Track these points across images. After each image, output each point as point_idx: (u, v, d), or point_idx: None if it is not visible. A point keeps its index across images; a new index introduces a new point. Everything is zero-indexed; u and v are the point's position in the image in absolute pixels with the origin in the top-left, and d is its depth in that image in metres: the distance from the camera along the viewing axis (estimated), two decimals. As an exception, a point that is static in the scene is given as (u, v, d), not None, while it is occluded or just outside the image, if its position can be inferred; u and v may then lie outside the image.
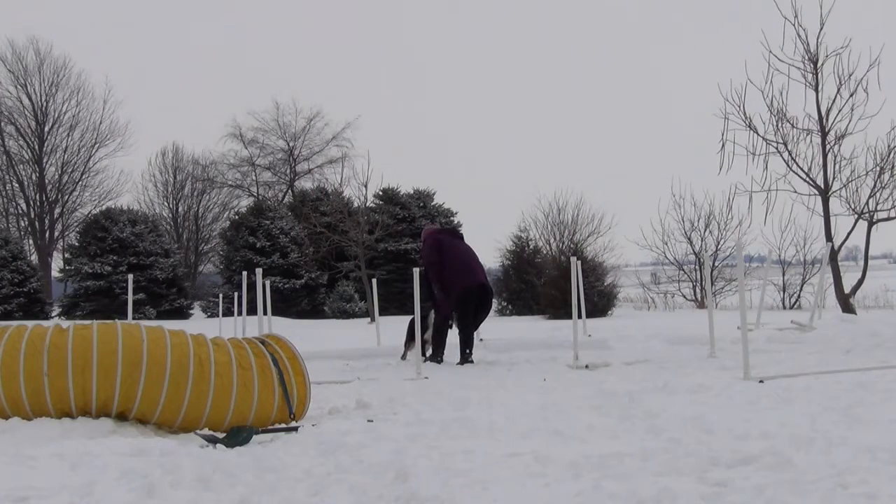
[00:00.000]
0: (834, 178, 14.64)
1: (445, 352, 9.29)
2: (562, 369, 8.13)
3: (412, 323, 9.63)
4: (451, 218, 31.86)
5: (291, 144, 41.86)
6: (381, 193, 31.13)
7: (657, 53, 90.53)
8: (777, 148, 14.72)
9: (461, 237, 10.06)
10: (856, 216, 14.85)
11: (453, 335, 9.38)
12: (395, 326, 14.92)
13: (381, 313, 18.14)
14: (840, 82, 14.22)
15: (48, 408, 4.79)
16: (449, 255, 9.39)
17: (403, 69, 76.83)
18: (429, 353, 9.34)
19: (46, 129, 38.10)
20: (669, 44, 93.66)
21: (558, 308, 20.25)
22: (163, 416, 4.92)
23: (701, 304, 24.39)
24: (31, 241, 37.97)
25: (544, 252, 27.31)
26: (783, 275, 24.47)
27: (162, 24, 68.87)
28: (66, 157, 38.69)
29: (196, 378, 4.91)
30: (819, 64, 14.35)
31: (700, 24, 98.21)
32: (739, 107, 14.75)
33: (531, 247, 27.17)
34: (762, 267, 20.96)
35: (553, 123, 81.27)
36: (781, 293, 24.26)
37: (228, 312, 19.80)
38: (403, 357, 9.62)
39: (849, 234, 15.21)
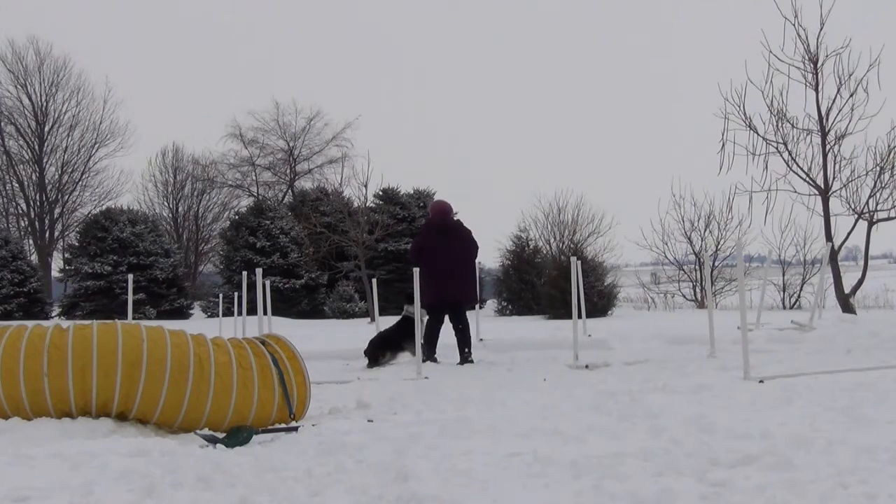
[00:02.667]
0: (834, 178, 14.64)
1: (447, 353, 9.26)
2: (562, 369, 8.13)
3: (386, 338, 9.47)
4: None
5: (291, 144, 41.87)
6: (381, 193, 31.13)
7: (657, 53, 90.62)
8: (777, 148, 14.72)
9: (452, 233, 9.51)
10: (856, 216, 14.85)
11: (448, 336, 9.37)
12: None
13: (381, 313, 18.11)
14: (840, 82, 14.22)
15: (48, 408, 4.79)
16: (426, 262, 9.10)
17: (403, 69, 76.90)
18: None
19: (46, 129, 38.12)
20: (670, 43, 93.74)
21: (558, 308, 20.24)
22: (163, 416, 4.92)
23: (701, 304, 24.39)
24: (31, 241, 37.97)
25: (544, 252, 27.29)
26: (783, 275, 24.45)
27: (162, 23, 68.93)
28: (66, 157, 38.74)
29: (196, 378, 4.91)
30: (819, 64, 14.35)
31: (700, 23, 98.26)
32: (739, 107, 14.76)
33: (531, 247, 27.15)
34: (762, 267, 20.96)
35: (553, 123, 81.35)
36: (781, 293, 24.25)
37: (228, 312, 19.79)
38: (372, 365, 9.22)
39: (849, 234, 15.21)
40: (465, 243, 9.57)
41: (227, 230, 33.19)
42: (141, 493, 3.32)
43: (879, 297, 22.31)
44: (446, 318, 9.43)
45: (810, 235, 23.47)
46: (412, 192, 32.04)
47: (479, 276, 14.23)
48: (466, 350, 9.16)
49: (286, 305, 26.65)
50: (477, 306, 12.89)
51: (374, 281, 15.13)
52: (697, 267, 26.03)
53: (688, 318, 17.42)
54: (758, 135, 14.74)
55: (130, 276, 11.97)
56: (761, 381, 6.34)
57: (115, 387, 4.77)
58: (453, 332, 9.32)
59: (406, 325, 9.30)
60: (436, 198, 32.14)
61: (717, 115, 14.92)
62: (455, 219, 10.01)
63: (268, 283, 10.04)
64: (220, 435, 4.77)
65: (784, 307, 23.37)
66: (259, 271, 8.72)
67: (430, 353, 9.17)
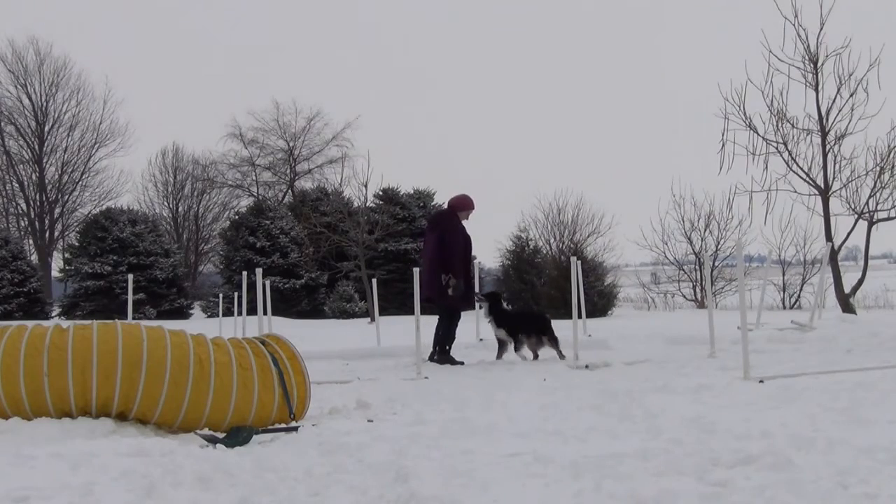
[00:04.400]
0: (834, 178, 14.65)
1: (459, 355, 9.21)
2: (562, 369, 8.13)
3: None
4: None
5: (291, 144, 41.88)
6: (381, 193, 31.15)
7: (657, 53, 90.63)
8: (777, 148, 14.73)
9: (430, 228, 9.44)
10: (856, 216, 14.85)
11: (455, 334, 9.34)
12: (395, 326, 14.92)
13: (381, 313, 18.14)
14: (840, 82, 14.24)
15: (48, 408, 4.78)
16: None
17: (403, 69, 76.90)
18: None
19: (46, 129, 38.15)
20: (670, 43, 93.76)
21: (558, 308, 20.25)
22: (163, 416, 4.92)
23: (701, 304, 24.40)
24: (31, 241, 37.99)
25: (544, 252, 27.30)
26: (783, 275, 24.49)
27: (162, 23, 68.93)
28: (66, 157, 38.80)
29: (196, 378, 4.90)
30: (819, 64, 14.36)
31: (700, 23, 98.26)
32: (739, 107, 14.77)
33: (531, 247, 27.16)
34: (762, 267, 20.98)
35: (553, 123, 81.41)
36: (781, 293, 24.27)
37: (228, 312, 19.81)
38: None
39: (849, 234, 15.22)
40: (432, 238, 9.22)
41: (227, 230, 33.22)
42: (141, 493, 3.32)
43: (879, 297, 22.33)
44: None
45: (810, 235, 23.53)
46: (412, 192, 32.05)
47: (479, 276, 14.15)
48: (434, 348, 9.04)
49: (286, 305, 26.66)
50: (477, 306, 12.80)
51: (374, 281, 15.13)
52: (697, 267, 26.06)
53: (688, 318, 17.42)
54: (758, 135, 14.77)
55: (130, 276, 11.95)
56: (761, 381, 6.34)
57: (115, 387, 4.77)
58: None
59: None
60: (436, 197, 32.23)
61: (718, 115, 14.94)
62: (448, 213, 9.52)
63: (268, 283, 10.03)
64: (220, 435, 4.77)
65: (784, 307, 23.39)
66: (259, 271, 8.71)
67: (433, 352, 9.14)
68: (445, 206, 9.94)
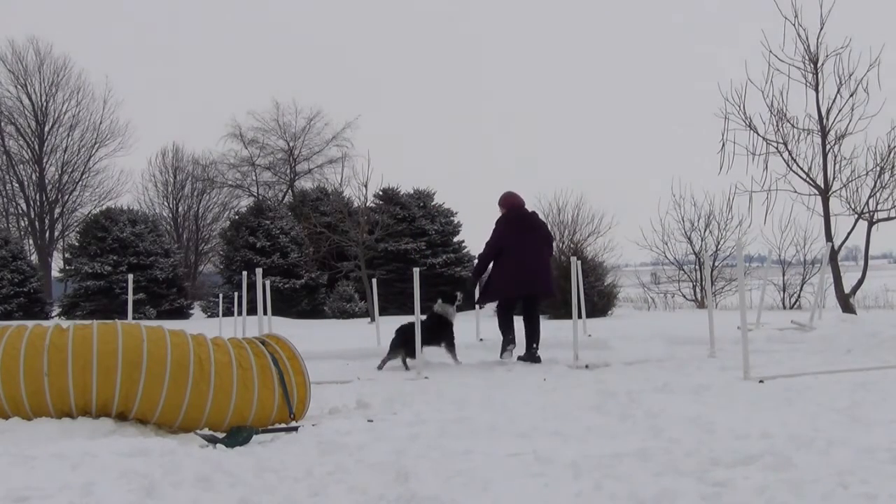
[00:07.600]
0: (834, 178, 14.64)
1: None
2: (562, 369, 8.12)
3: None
4: (452, 218, 31.88)
5: (291, 144, 41.84)
6: (381, 193, 31.12)
7: (657, 53, 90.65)
8: (777, 148, 14.72)
9: (531, 225, 9.49)
10: (856, 216, 14.85)
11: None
12: (396, 326, 14.88)
13: (381, 313, 18.14)
14: (840, 82, 14.22)
15: (48, 408, 4.79)
16: (506, 254, 9.24)
17: (403, 69, 76.90)
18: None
19: (46, 129, 38.12)
20: (669, 43, 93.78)
21: (558, 308, 20.24)
22: (163, 416, 4.92)
23: (701, 304, 24.39)
24: (31, 241, 37.97)
25: (544, 252, 27.25)
26: (783, 275, 24.46)
27: (162, 23, 68.94)
28: (66, 157, 38.75)
29: (196, 378, 4.91)
30: (819, 64, 14.35)
31: (700, 23, 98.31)
32: (739, 107, 14.76)
33: (531, 247, 27.08)
34: (762, 267, 20.98)
35: (553, 123, 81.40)
36: (781, 293, 24.25)
37: (228, 312, 19.79)
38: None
39: (849, 234, 15.21)
40: (543, 235, 9.41)
41: (227, 230, 33.18)
42: (141, 493, 3.32)
43: (879, 297, 22.32)
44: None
45: (810, 235, 23.50)
46: (412, 192, 32.01)
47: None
48: (535, 346, 8.93)
49: (286, 305, 26.64)
50: (477, 306, 12.82)
51: (374, 281, 15.12)
52: (697, 267, 26.04)
53: (688, 318, 17.41)
54: (758, 135, 14.75)
55: (130, 276, 11.96)
56: (761, 381, 6.34)
57: (115, 387, 4.77)
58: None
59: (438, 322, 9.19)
60: (436, 197, 32.20)
61: (718, 115, 14.93)
62: (531, 210, 9.63)
63: (268, 283, 10.03)
64: (220, 435, 4.77)
65: (784, 307, 23.37)
66: (259, 271, 8.71)
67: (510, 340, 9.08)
68: (510, 207, 9.59)
